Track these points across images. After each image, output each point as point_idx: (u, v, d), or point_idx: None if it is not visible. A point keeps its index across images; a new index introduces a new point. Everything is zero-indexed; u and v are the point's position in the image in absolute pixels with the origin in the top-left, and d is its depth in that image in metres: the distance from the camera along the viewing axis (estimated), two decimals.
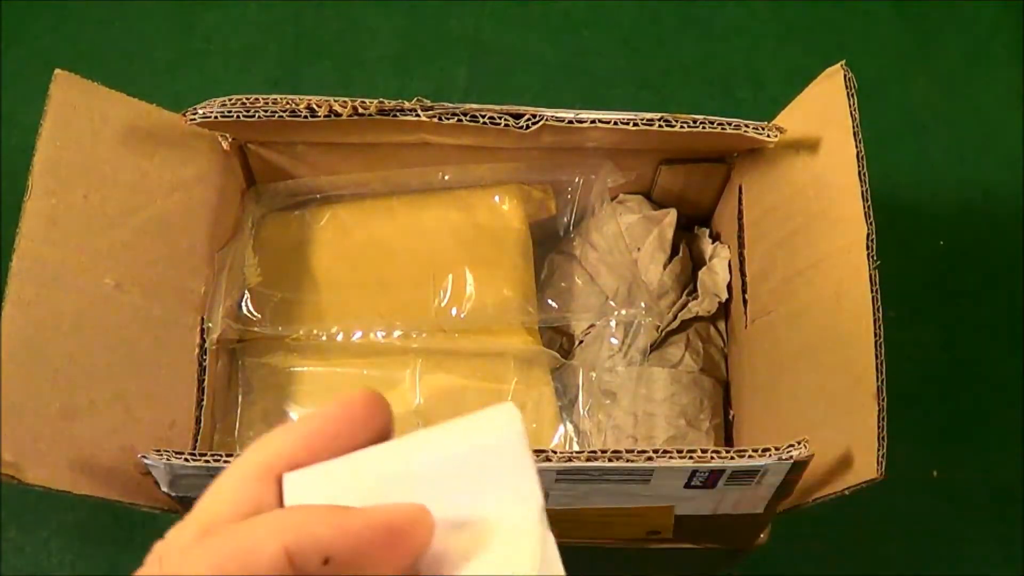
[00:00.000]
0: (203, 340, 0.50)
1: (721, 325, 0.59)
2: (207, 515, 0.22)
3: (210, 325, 0.51)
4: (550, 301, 0.57)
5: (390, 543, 0.21)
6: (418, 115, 0.48)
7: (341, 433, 0.23)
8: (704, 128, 0.49)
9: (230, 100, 0.48)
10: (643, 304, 0.55)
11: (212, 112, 0.48)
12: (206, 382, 0.50)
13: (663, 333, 0.57)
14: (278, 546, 0.20)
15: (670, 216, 0.59)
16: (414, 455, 0.23)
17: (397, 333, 0.54)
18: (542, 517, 0.23)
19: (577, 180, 0.57)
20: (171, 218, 0.49)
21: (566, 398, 0.56)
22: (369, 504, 0.22)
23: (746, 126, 0.49)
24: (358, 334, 0.54)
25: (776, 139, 0.50)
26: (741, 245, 0.56)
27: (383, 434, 0.24)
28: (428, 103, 0.48)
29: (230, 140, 0.52)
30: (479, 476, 0.23)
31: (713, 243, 0.60)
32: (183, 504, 0.44)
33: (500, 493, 0.23)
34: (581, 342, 0.57)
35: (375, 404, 0.24)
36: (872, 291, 0.44)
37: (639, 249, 0.58)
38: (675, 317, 0.57)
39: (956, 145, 0.73)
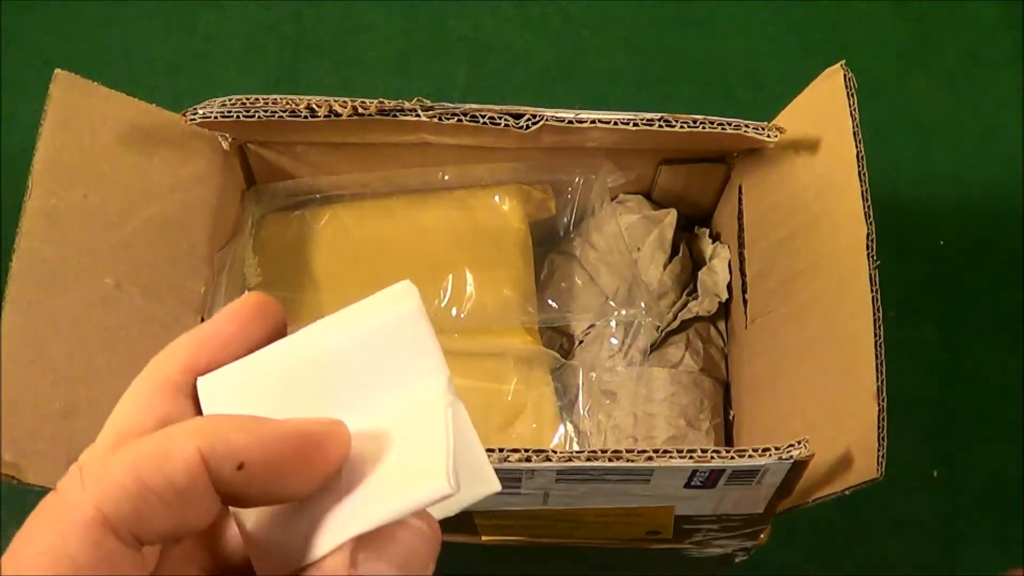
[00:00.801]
0: None
1: (721, 325, 0.59)
2: (119, 429, 0.22)
3: None
4: (550, 301, 0.57)
5: (304, 454, 0.22)
6: (418, 115, 0.48)
7: (235, 335, 0.24)
8: (704, 128, 0.49)
9: (230, 100, 0.48)
10: (643, 304, 0.55)
11: (212, 112, 0.48)
12: None
13: (663, 333, 0.57)
14: (193, 448, 0.20)
15: (670, 216, 0.59)
16: (318, 343, 0.24)
17: None
18: (449, 389, 0.23)
19: (577, 180, 0.57)
20: (171, 218, 0.49)
21: (566, 398, 0.56)
22: (283, 397, 0.23)
23: (746, 126, 0.49)
24: None
25: (776, 139, 0.50)
26: (741, 245, 0.56)
27: (277, 332, 0.25)
28: (428, 103, 0.48)
29: (230, 140, 0.52)
30: (382, 356, 0.24)
31: (713, 243, 0.60)
32: None
33: (405, 369, 0.24)
34: (581, 342, 0.57)
35: (264, 303, 0.25)
36: (872, 291, 0.44)
37: (639, 249, 0.58)
38: (675, 317, 0.57)
39: (956, 145, 0.73)
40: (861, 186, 0.45)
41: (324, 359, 0.24)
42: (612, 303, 0.57)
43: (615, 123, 0.48)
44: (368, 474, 0.22)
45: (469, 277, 0.55)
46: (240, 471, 0.21)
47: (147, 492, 0.20)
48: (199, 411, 0.24)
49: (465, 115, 0.48)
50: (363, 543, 0.21)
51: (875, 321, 0.43)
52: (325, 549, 0.21)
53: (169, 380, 0.23)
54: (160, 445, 0.21)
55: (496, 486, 0.23)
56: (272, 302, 0.25)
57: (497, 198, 0.56)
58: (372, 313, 0.24)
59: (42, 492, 0.42)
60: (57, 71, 0.46)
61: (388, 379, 0.24)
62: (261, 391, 0.23)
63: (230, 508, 0.23)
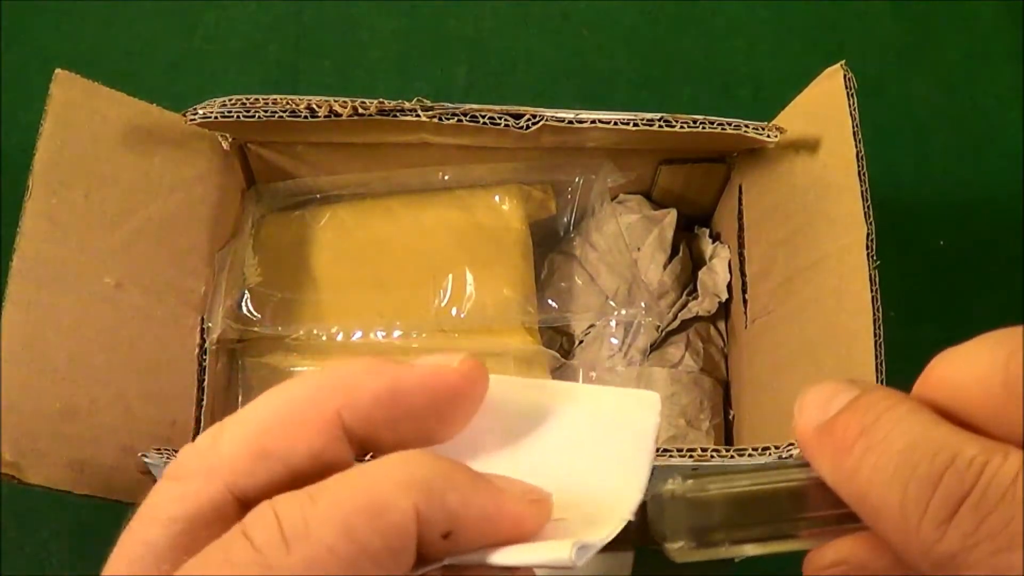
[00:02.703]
0: (203, 340, 0.50)
1: (721, 325, 0.59)
2: (263, 441, 0.20)
3: (210, 325, 0.51)
4: (550, 301, 0.57)
5: (507, 529, 0.20)
6: (418, 115, 0.48)
7: (428, 409, 0.21)
8: (704, 128, 0.49)
9: (230, 100, 0.48)
10: (643, 304, 0.55)
11: (212, 112, 0.48)
12: (206, 382, 0.50)
13: (663, 333, 0.57)
14: (410, 503, 0.18)
15: (670, 216, 0.59)
16: (547, 407, 0.24)
17: (397, 333, 0.54)
18: (632, 511, 0.23)
19: (577, 180, 0.57)
20: (171, 218, 0.49)
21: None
22: (493, 440, 0.23)
23: (746, 126, 0.49)
24: (358, 334, 0.54)
25: (776, 139, 0.50)
26: (741, 245, 0.56)
27: (469, 413, 0.22)
28: (428, 103, 0.48)
29: (230, 140, 0.52)
30: (599, 447, 0.24)
31: (713, 243, 0.60)
32: None
33: (609, 470, 0.24)
34: (581, 342, 0.57)
35: (476, 380, 0.22)
36: (872, 291, 0.44)
37: (639, 249, 0.58)
38: (675, 317, 0.57)
39: (956, 145, 0.73)
40: (861, 186, 0.45)
41: (546, 424, 0.24)
42: (612, 303, 0.57)
43: (615, 123, 0.48)
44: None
45: (469, 277, 0.55)
46: (446, 539, 0.19)
47: (361, 555, 0.18)
48: (354, 457, 0.21)
49: (465, 115, 0.48)
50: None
51: (875, 321, 0.43)
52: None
53: (338, 417, 0.20)
54: (371, 498, 0.18)
55: None
56: (483, 376, 0.22)
57: (497, 198, 0.56)
58: (611, 407, 0.25)
59: (42, 492, 0.42)
60: (57, 71, 0.46)
61: (592, 470, 0.24)
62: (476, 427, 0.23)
63: None
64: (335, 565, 0.17)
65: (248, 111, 0.47)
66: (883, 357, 0.42)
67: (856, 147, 0.46)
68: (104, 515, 0.63)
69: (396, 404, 0.21)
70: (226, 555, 0.18)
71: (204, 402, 0.49)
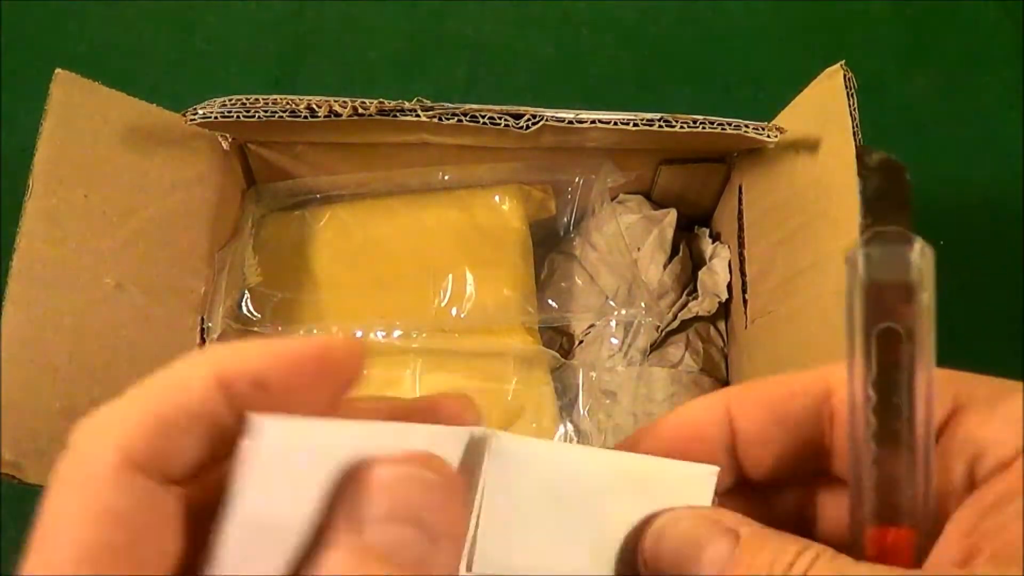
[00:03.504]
0: (203, 340, 0.50)
1: (721, 325, 0.59)
2: (154, 407, 0.21)
3: (210, 325, 0.51)
4: (550, 301, 0.57)
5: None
6: (418, 115, 0.48)
7: (309, 384, 0.21)
8: (704, 128, 0.49)
9: (230, 100, 0.48)
10: (643, 304, 0.55)
11: (212, 112, 0.48)
12: None
13: (663, 333, 0.57)
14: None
15: (670, 216, 0.59)
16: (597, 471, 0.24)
17: (397, 333, 0.54)
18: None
19: (577, 180, 0.57)
20: (171, 218, 0.49)
21: (566, 398, 0.56)
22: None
23: (746, 126, 0.49)
24: (358, 334, 0.54)
25: (776, 139, 0.50)
26: (741, 245, 0.56)
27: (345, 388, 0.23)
28: (428, 103, 0.48)
29: (230, 140, 0.52)
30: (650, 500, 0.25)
31: (713, 243, 0.60)
32: None
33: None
34: (581, 342, 0.57)
35: (353, 354, 0.22)
36: None
37: (639, 249, 0.58)
38: (675, 317, 0.57)
39: (956, 145, 0.73)
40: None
41: (599, 497, 0.24)
42: (612, 303, 0.57)
43: (615, 123, 0.48)
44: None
45: (469, 277, 0.55)
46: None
47: (167, 427, 0.19)
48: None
49: (465, 115, 0.48)
50: None
51: None
52: None
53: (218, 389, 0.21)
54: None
55: None
56: (359, 351, 0.22)
57: (497, 198, 0.56)
58: (666, 477, 0.25)
59: (42, 492, 0.42)
60: (57, 71, 0.46)
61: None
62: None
63: None
64: (145, 438, 0.19)
65: (248, 111, 0.47)
66: None
67: (856, 147, 0.46)
68: None
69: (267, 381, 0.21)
70: (58, 476, 0.20)
71: None
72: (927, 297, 0.21)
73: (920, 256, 0.21)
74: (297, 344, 0.21)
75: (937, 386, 0.23)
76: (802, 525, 0.27)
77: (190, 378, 0.20)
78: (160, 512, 0.19)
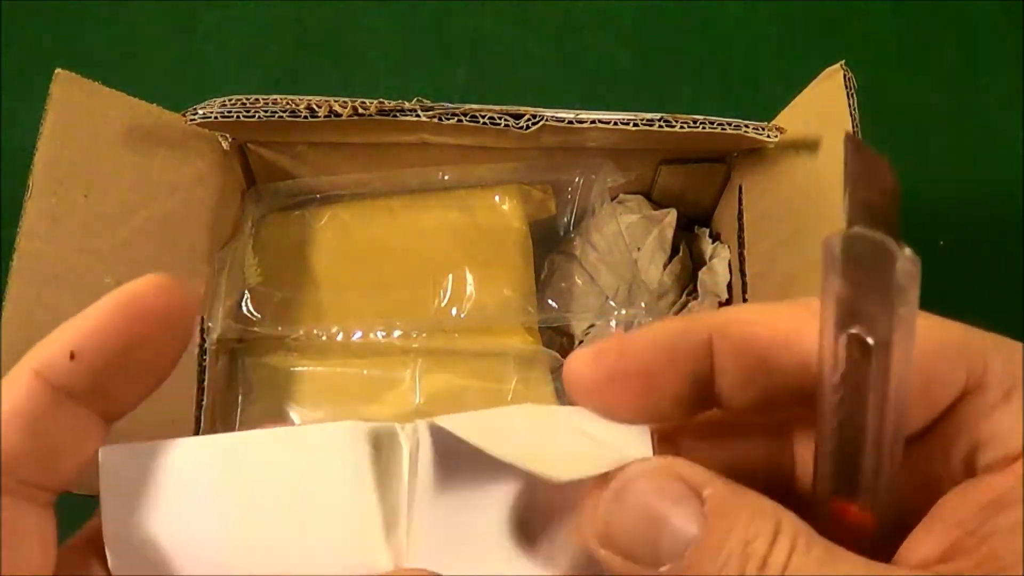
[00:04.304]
0: (203, 340, 0.50)
1: None
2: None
3: (210, 325, 0.51)
4: (550, 301, 0.57)
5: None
6: (418, 115, 0.48)
7: (128, 338, 0.21)
8: (704, 128, 0.49)
9: (230, 100, 0.48)
10: (643, 304, 0.55)
11: (212, 112, 0.48)
12: (206, 382, 0.50)
13: None
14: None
15: (670, 216, 0.59)
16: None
17: (397, 333, 0.54)
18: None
19: (577, 180, 0.57)
20: (171, 218, 0.49)
21: (566, 398, 0.56)
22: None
23: (746, 126, 0.49)
24: (358, 334, 0.54)
25: (776, 139, 0.50)
26: (741, 245, 0.56)
27: (183, 335, 0.22)
28: (428, 103, 0.48)
29: (230, 140, 0.52)
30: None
31: (713, 243, 0.60)
32: None
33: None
34: (581, 342, 0.57)
35: (168, 292, 0.21)
36: None
37: (639, 249, 0.58)
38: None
39: (956, 145, 0.73)
40: None
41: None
42: (612, 303, 0.57)
43: (615, 123, 0.48)
44: None
45: (469, 277, 0.55)
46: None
47: (11, 435, 0.20)
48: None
49: (465, 115, 0.48)
50: None
51: None
52: None
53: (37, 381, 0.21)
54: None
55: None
56: (175, 289, 0.22)
57: (497, 198, 0.56)
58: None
59: None
60: (57, 71, 0.46)
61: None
62: None
63: None
64: None
65: (248, 111, 0.47)
66: None
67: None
68: None
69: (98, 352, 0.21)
70: None
71: (204, 402, 0.49)
72: (905, 303, 0.20)
73: (904, 261, 0.20)
74: (100, 303, 0.21)
75: (945, 362, 0.22)
76: (775, 458, 0.26)
77: (11, 383, 0.21)
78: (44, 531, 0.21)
